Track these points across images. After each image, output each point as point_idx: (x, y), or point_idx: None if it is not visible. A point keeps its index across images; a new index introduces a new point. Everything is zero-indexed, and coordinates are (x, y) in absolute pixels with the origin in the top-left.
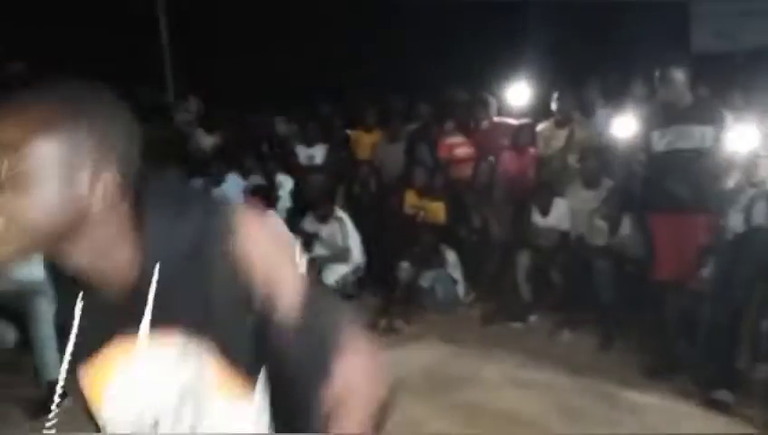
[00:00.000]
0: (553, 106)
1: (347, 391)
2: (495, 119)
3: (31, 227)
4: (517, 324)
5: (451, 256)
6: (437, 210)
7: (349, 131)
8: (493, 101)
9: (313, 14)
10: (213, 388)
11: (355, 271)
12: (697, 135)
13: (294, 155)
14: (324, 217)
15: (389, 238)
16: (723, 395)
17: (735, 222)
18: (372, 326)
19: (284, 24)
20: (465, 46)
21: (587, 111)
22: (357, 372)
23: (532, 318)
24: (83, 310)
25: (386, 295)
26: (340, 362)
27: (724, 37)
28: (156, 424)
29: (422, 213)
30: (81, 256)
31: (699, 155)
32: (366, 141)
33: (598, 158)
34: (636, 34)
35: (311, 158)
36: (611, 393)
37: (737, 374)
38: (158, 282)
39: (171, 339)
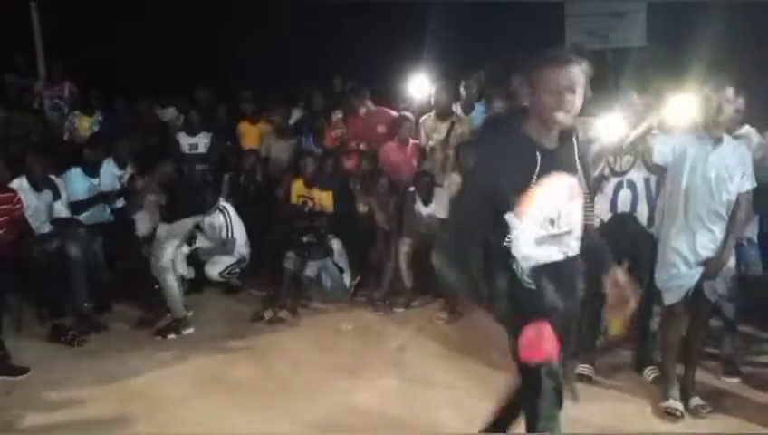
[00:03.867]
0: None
1: None
2: (372, 107)
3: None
4: (400, 310)
5: (337, 245)
6: (325, 199)
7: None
8: (365, 92)
9: None
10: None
11: (240, 262)
12: None
13: (176, 143)
14: None
15: (276, 229)
16: (585, 370)
17: (602, 209)
18: (258, 317)
19: (162, 8)
20: (356, 40)
21: (466, 106)
22: None
23: (415, 304)
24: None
25: (272, 286)
26: None
27: (596, 36)
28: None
29: (310, 202)
30: None
31: None
32: (252, 131)
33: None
34: (515, 33)
35: (193, 146)
36: (484, 372)
37: (597, 349)
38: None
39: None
